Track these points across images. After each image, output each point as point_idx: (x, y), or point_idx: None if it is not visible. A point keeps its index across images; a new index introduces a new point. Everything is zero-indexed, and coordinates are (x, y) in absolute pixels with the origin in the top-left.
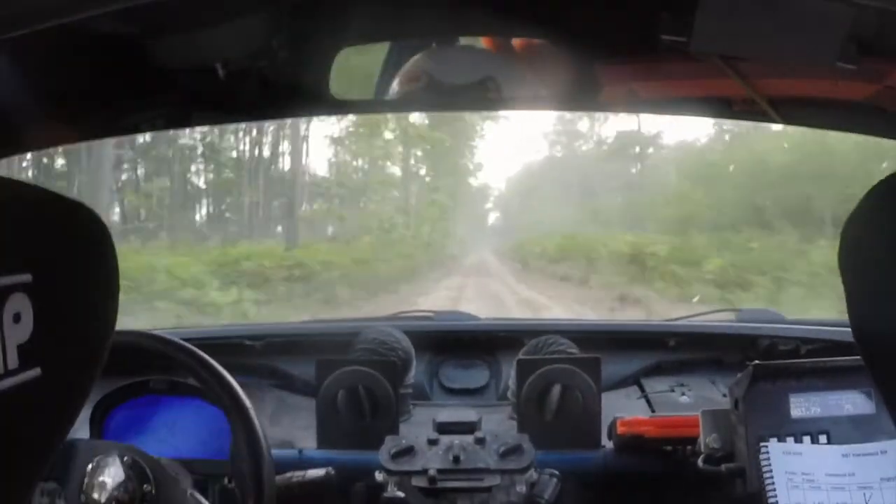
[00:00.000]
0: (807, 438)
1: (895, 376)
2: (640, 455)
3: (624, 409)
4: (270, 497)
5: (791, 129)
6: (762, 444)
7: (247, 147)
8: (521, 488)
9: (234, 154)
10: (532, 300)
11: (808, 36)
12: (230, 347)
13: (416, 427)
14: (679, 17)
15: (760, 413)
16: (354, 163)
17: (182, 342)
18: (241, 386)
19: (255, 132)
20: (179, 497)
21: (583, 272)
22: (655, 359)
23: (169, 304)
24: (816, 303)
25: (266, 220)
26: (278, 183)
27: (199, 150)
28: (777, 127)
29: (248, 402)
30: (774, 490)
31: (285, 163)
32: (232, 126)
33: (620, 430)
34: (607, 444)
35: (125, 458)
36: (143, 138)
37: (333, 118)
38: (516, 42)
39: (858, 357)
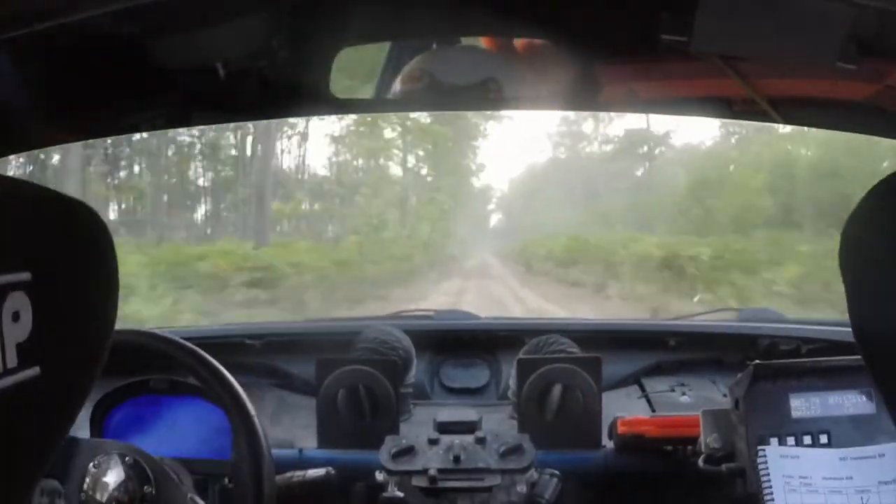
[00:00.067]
0: (807, 438)
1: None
2: (640, 455)
3: (624, 409)
4: (270, 497)
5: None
6: (759, 447)
7: (237, 140)
8: (522, 488)
9: (234, 151)
10: (540, 311)
11: (808, 36)
12: (230, 346)
13: (417, 427)
14: (679, 17)
15: (761, 413)
16: (355, 162)
17: (182, 341)
18: (242, 385)
19: (251, 126)
20: (179, 497)
21: (598, 278)
22: (656, 358)
23: None
24: None
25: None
26: (275, 181)
27: (196, 146)
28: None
29: (248, 402)
30: (772, 493)
31: (283, 160)
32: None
33: (621, 429)
34: (608, 443)
35: (126, 458)
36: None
37: (333, 116)
38: (517, 42)
39: (859, 357)
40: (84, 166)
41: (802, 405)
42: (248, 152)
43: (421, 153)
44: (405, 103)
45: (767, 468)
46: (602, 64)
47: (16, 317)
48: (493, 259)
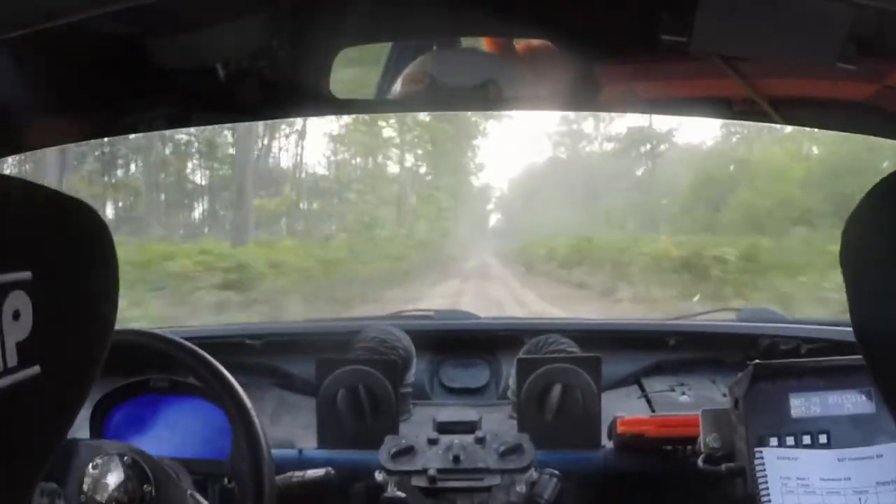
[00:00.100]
0: (807, 438)
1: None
2: (640, 454)
3: (624, 409)
4: (270, 497)
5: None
6: (757, 449)
7: (234, 139)
8: (521, 488)
9: (231, 150)
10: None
11: (808, 36)
12: (230, 346)
13: (416, 426)
14: (679, 17)
15: (760, 413)
16: (353, 161)
17: (182, 341)
18: (241, 385)
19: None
20: (179, 497)
21: (605, 280)
22: (656, 358)
23: None
24: None
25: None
26: (269, 178)
27: (193, 144)
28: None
29: (248, 402)
30: (768, 495)
31: (281, 158)
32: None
33: (620, 429)
34: (607, 443)
35: (125, 458)
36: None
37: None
38: (517, 43)
39: (859, 357)
40: (64, 166)
41: (802, 405)
42: (270, 161)
43: (420, 152)
44: (405, 104)
45: (765, 470)
46: (602, 64)
47: (16, 316)
48: (492, 259)
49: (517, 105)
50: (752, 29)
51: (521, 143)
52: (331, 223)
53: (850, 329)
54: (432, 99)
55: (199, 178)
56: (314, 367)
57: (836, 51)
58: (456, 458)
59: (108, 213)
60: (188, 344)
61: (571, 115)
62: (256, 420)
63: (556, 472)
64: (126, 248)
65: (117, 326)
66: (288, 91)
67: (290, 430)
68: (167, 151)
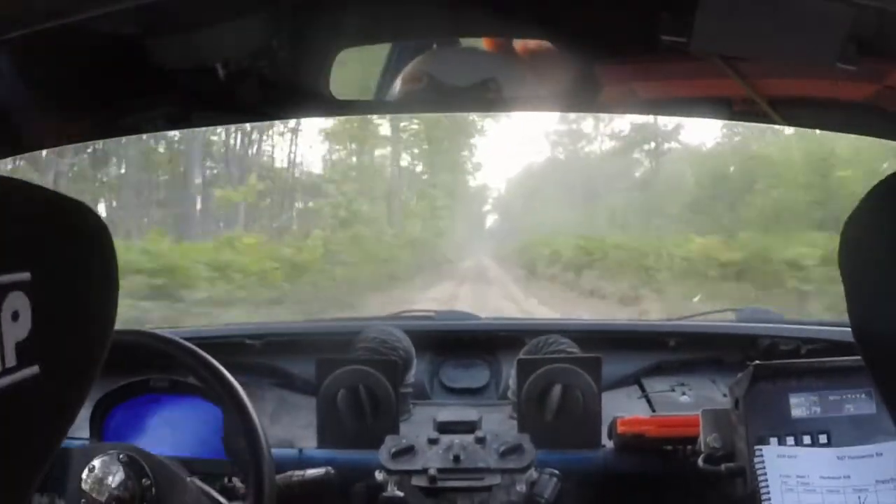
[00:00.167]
0: (807, 438)
1: (895, 376)
2: (640, 455)
3: (624, 409)
4: (270, 496)
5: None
6: (757, 447)
7: (224, 137)
8: (522, 488)
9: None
10: None
11: (808, 36)
12: (230, 346)
13: (417, 426)
14: (679, 17)
15: (760, 413)
16: (340, 153)
17: (182, 341)
18: (242, 385)
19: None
20: (180, 487)
21: (624, 286)
22: (656, 358)
23: None
24: None
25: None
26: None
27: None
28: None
29: (248, 402)
30: (769, 493)
31: (275, 155)
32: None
33: (621, 429)
34: (608, 443)
35: (121, 457)
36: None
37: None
38: (517, 43)
39: (859, 357)
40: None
41: (802, 405)
42: (237, 147)
43: (416, 151)
44: (405, 104)
45: (765, 468)
46: (602, 64)
47: (15, 316)
48: (489, 261)
49: (517, 105)
50: (752, 29)
51: (519, 143)
52: (309, 220)
53: (850, 329)
54: (432, 99)
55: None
56: (314, 367)
57: (836, 51)
58: (456, 458)
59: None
60: (188, 344)
61: (571, 114)
62: (256, 420)
63: (557, 471)
64: None
65: (117, 326)
66: (288, 91)
67: (290, 430)
68: (161, 150)
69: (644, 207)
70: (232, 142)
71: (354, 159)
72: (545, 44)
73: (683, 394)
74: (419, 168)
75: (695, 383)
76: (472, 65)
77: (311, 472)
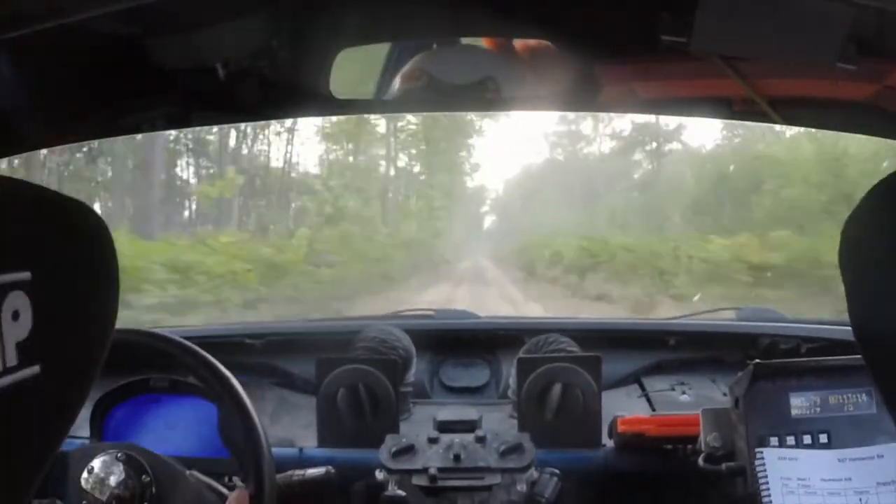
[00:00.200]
0: (807, 438)
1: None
2: (640, 454)
3: (624, 408)
4: (271, 496)
5: None
6: (758, 449)
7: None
8: (522, 487)
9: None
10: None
11: (808, 36)
12: (230, 346)
13: (417, 426)
14: (679, 17)
15: (761, 412)
16: (348, 160)
17: (182, 340)
18: (242, 384)
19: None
20: (181, 481)
21: (636, 291)
22: (656, 358)
23: None
24: None
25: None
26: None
27: (179, 140)
28: None
29: (248, 401)
30: (769, 495)
31: (271, 154)
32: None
33: (621, 428)
34: (608, 442)
35: (120, 456)
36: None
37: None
38: (517, 42)
39: (859, 357)
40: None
41: (802, 404)
42: (231, 146)
43: (413, 151)
44: (404, 103)
45: (765, 470)
46: (602, 64)
47: (15, 316)
48: (487, 262)
49: (516, 105)
50: (752, 29)
51: (518, 144)
52: (297, 218)
53: (850, 329)
54: (431, 97)
55: (185, 175)
56: (314, 366)
57: (836, 51)
58: (456, 457)
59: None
60: (188, 343)
61: (570, 114)
62: (257, 419)
63: (557, 471)
64: None
65: (117, 326)
66: (288, 91)
67: (291, 430)
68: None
69: (645, 209)
70: (230, 141)
71: (351, 158)
72: (545, 44)
73: (683, 393)
74: (416, 168)
75: (695, 382)
76: (471, 64)
77: (312, 471)
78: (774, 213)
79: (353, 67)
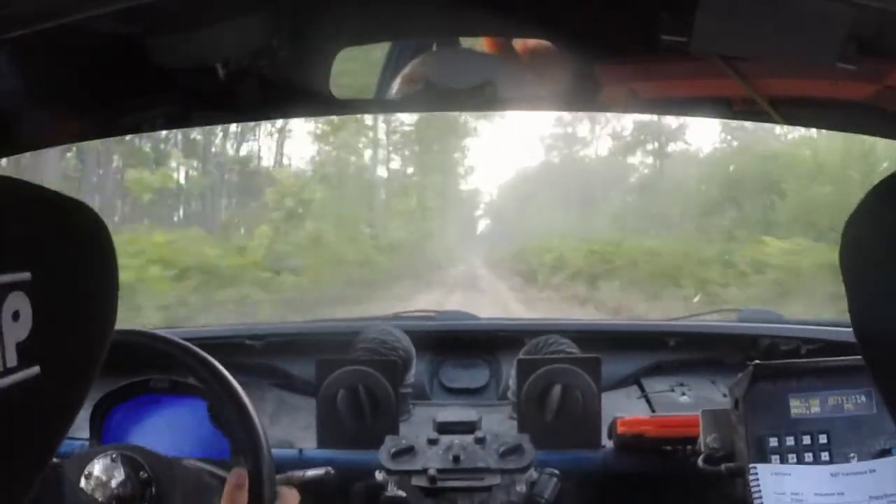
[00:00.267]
0: (807, 438)
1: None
2: (640, 455)
3: (624, 409)
4: (270, 498)
5: None
6: (751, 465)
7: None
8: (521, 488)
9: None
10: None
11: (808, 36)
12: (230, 347)
13: (416, 427)
14: (679, 17)
15: (761, 413)
16: (332, 153)
17: (182, 341)
18: (241, 385)
19: None
20: (179, 472)
21: (677, 305)
22: (655, 359)
23: None
24: None
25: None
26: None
27: (169, 140)
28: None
29: (248, 402)
30: None
31: (262, 154)
32: None
33: (620, 429)
34: (607, 443)
35: (115, 456)
36: None
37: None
38: (516, 42)
39: (859, 357)
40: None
41: (802, 405)
42: (215, 147)
43: (407, 153)
44: (404, 104)
45: (759, 485)
46: (602, 64)
47: (16, 316)
48: (482, 269)
49: (516, 105)
50: (752, 29)
51: (513, 147)
52: (254, 213)
53: (850, 329)
54: (431, 98)
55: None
56: (314, 367)
57: (836, 51)
58: (456, 458)
59: None
60: (188, 344)
61: (566, 117)
62: (256, 420)
63: (556, 472)
64: None
65: (117, 326)
66: (288, 91)
67: (290, 431)
68: (146, 148)
69: (649, 211)
70: (214, 139)
71: (335, 152)
72: (545, 44)
73: (683, 394)
74: (410, 170)
75: (694, 383)
76: (471, 64)
77: (311, 472)
78: (800, 213)
79: (353, 67)
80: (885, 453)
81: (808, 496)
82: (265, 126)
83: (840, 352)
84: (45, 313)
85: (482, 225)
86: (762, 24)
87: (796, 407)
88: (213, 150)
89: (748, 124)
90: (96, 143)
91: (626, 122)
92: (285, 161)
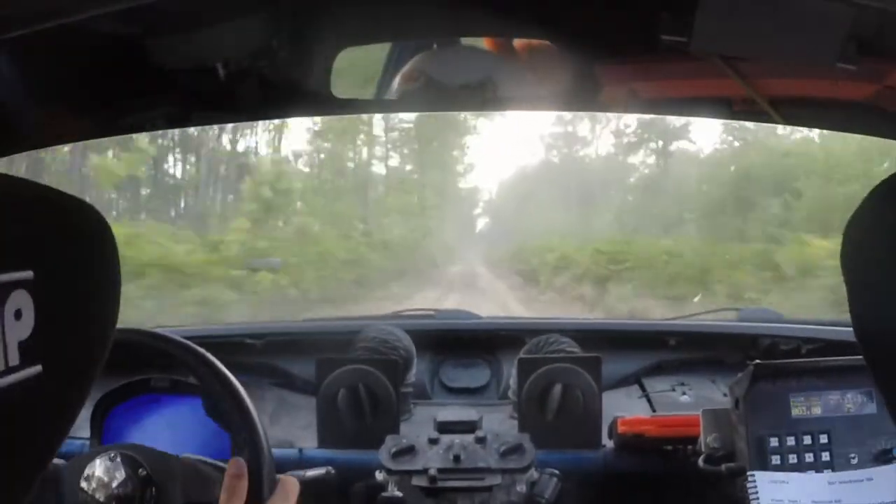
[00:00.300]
0: (807, 438)
1: None
2: (640, 454)
3: (625, 409)
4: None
5: None
6: (749, 472)
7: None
8: (522, 488)
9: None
10: None
11: (808, 36)
12: (231, 346)
13: (417, 426)
14: (679, 17)
15: (761, 413)
16: (325, 146)
17: (183, 340)
18: (242, 384)
19: None
20: (177, 466)
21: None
22: (656, 358)
23: None
24: None
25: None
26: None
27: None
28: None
29: (249, 401)
30: None
31: (259, 150)
32: None
33: (621, 429)
34: (608, 443)
35: (114, 456)
36: None
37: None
38: (517, 42)
39: (859, 357)
40: None
41: (802, 405)
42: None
43: (406, 151)
44: (404, 103)
45: (757, 493)
46: (602, 64)
47: (18, 315)
48: (480, 268)
49: (516, 105)
50: (752, 29)
51: (512, 146)
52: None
53: (850, 329)
54: (431, 98)
55: (173, 170)
56: (314, 366)
57: (836, 51)
58: (456, 458)
59: None
60: (189, 343)
61: (566, 116)
62: (257, 420)
63: (557, 471)
64: None
65: (118, 326)
66: (288, 91)
67: (290, 430)
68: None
69: (650, 209)
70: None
71: (327, 144)
72: (545, 44)
73: (684, 394)
74: (409, 167)
75: (695, 383)
76: (471, 64)
77: (311, 472)
78: (820, 212)
79: (353, 67)
80: (885, 453)
81: (805, 503)
82: (264, 123)
83: (841, 352)
84: (48, 312)
85: (481, 223)
86: (762, 24)
87: (797, 407)
88: (212, 145)
89: (745, 125)
90: None
91: (629, 119)
92: (283, 155)
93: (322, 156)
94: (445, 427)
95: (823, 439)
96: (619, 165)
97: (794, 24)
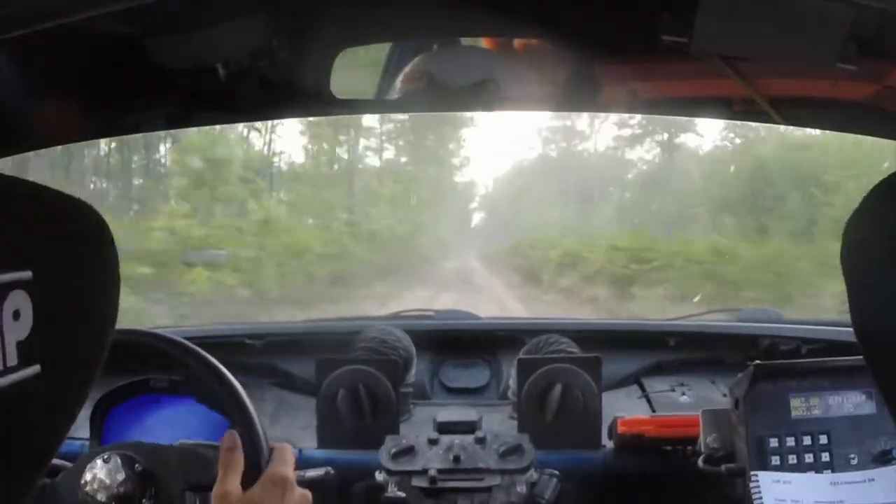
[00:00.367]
0: (807, 438)
1: None
2: (640, 455)
3: (624, 409)
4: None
5: None
6: (752, 472)
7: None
8: (522, 488)
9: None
10: None
11: (808, 36)
12: (230, 346)
13: (417, 427)
14: (679, 17)
15: (761, 413)
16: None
17: (183, 341)
18: (241, 385)
19: None
20: (173, 455)
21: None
22: (656, 358)
23: None
24: None
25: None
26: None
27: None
28: None
29: (248, 401)
30: None
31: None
32: None
33: (621, 429)
34: (608, 443)
35: (110, 456)
36: None
37: None
38: (517, 42)
39: (859, 357)
40: None
41: (802, 405)
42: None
43: (401, 143)
44: (405, 104)
45: (760, 493)
46: (602, 64)
47: (16, 315)
48: (475, 263)
49: (516, 105)
50: (752, 29)
51: (509, 140)
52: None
53: (850, 329)
54: (431, 98)
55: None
56: (314, 367)
57: (836, 51)
58: (456, 459)
59: None
60: (188, 344)
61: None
62: (257, 420)
63: (557, 472)
64: None
65: (117, 326)
66: (288, 91)
67: (290, 430)
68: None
69: (651, 208)
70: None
71: (325, 145)
72: (545, 43)
73: (683, 394)
74: (404, 159)
75: (695, 383)
76: (472, 64)
77: (311, 472)
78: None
79: (353, 67)
80: (885, 454)
81: (808, 503)
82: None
83: (840, 352)
84: (46, 312)
85: (477, 218)
86: (762, 24)
87: (797, 407)
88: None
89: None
90: None
91: (627, 117)
92: (276, 149)
93: (312, 146)
94: (445, 427)
95: (823, 440)
96: (615, 161)
97: (794, 24)
